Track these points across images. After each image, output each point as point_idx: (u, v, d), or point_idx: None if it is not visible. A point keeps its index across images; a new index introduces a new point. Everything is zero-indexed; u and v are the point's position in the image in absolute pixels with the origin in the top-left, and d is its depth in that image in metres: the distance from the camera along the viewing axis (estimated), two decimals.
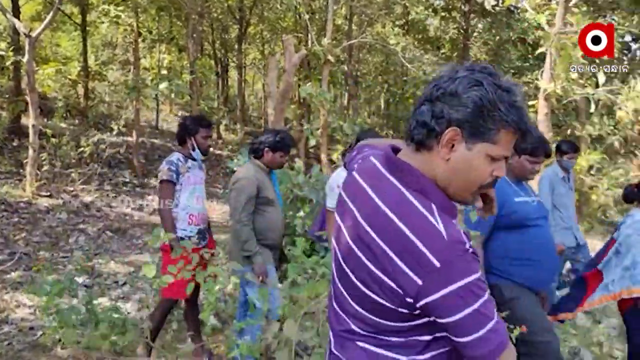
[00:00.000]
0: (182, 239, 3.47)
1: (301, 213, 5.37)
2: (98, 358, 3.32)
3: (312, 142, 10.32)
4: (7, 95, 11.31)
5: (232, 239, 3.54)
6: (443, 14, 16.09)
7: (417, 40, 17.12)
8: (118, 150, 10.71)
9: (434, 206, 1.15)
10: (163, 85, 10.58)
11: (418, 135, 1.18)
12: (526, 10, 6.91)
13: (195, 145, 3.67)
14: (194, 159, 3.70)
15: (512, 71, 14.59)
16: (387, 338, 1.20)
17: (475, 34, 16.84)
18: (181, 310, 4.04)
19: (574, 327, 4.06)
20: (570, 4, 6.81)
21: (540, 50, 7.95)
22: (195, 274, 2.83)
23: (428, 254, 1.08)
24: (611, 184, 9.49)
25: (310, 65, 15.26)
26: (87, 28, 12.96)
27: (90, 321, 3.09)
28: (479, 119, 1.13)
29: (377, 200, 1.19)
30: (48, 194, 8.33)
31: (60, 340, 3.38)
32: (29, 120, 8.45)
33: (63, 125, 10.76)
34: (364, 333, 1.24)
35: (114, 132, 10.46)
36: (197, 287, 3.43)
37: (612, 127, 9.19)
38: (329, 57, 10.92)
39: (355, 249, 1.21)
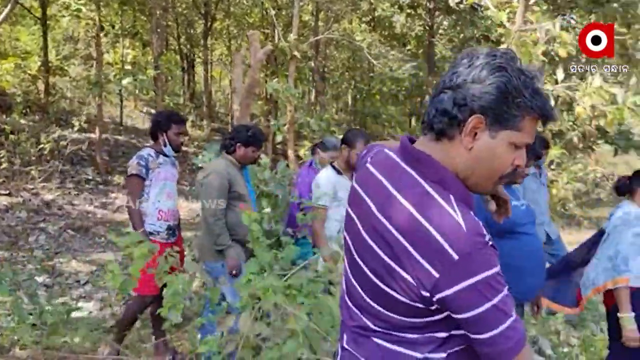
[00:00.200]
0: (150, 233, 3.48)
1: (267, 209, 5.37)
2: (59, 358, 3.26)
3: (279, 138, 10.32)
4: None
5: (204, 234, 3.51)
6: (409, 10, 16.23)
7: (383, 36, 17.25)
8: (80, 147, 10.46)
9: (452, 197, 1.10)
10: (127, 81, 10.39)
11: (438, 124, 1.13)
12: (488, 8, 7.01)
13: (167, 141, 3.65)
14: (165, 155, 3.67)
15: None
16: (401, 334, 1.15)
17: (440, 31, 17.04)
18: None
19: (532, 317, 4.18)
20: (531, 2, 6.95)
21: (502, 47, 8.09)
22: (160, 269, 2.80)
23: (446, 246, 1.02)
24: (570, 178, 9.74)
25: (277, 61, 15.23)
26: (48, 22, 12.56)
27: (48, 320, 3.02)
28: (503, 106, 1.09)
29: (391, 189, 1.15)
30: (7, 192, 8.11)
31: (18, 340, 3.31)
32: None
33: (22, 121, 10.45)
34: (378, 329, 1.19)
35: (76, 129, 10.21)
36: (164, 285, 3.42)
37: (571, 123, 9.43)
38: (296, 53, 10.92)
39: (369, 240, 1.16)
